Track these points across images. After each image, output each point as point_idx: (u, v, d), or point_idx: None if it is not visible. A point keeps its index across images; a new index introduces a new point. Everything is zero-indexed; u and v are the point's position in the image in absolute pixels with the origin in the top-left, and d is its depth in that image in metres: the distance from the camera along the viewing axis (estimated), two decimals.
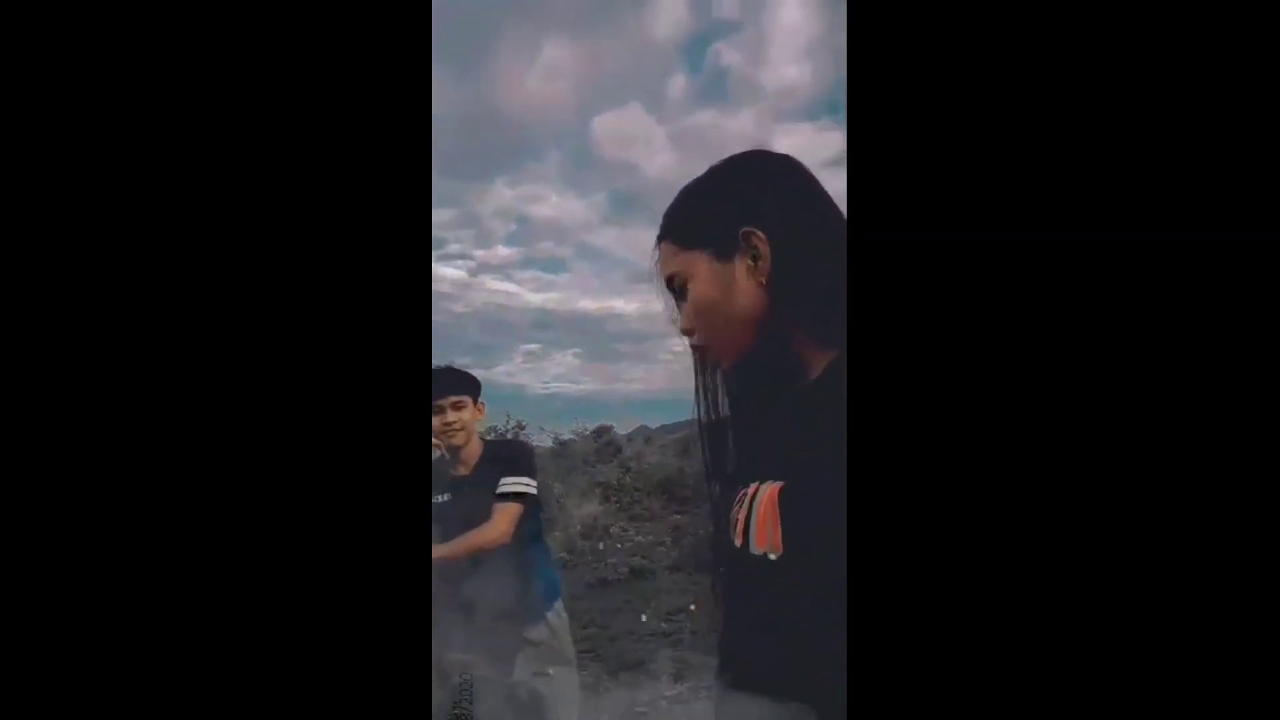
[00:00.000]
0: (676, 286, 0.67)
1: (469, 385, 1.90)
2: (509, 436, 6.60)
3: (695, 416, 0.72)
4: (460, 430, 1.87)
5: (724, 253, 0.64)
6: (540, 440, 8.29)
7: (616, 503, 6.44)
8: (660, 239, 0.68)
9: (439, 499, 1.90)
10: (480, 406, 1.94)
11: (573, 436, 8.80)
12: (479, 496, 1.83)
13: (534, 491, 1.86)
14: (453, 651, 1.57)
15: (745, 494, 0.63)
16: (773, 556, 0.59)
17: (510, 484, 1.83)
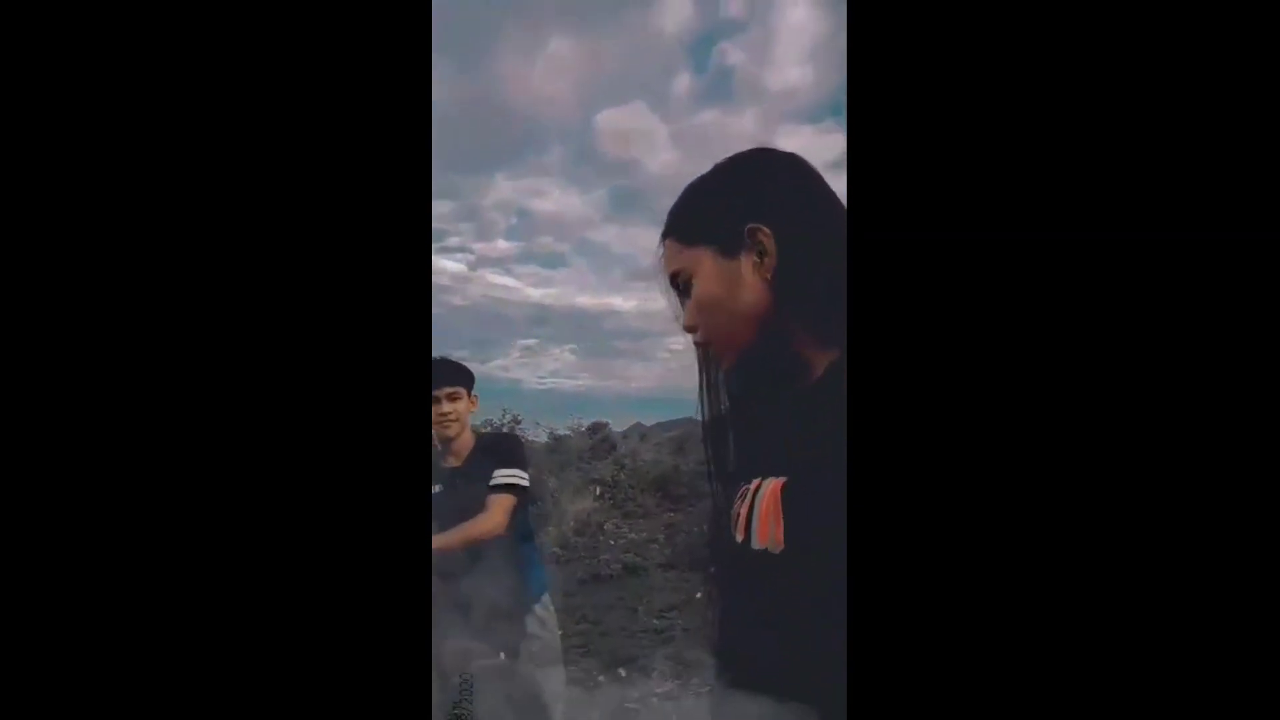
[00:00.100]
0: (680, 283, 0.67)
1: (463, 377, 1.91)
2: (505, 430, 6.60)
3: (698, 414, 0.72)
4: (454, 421, 1.88)
5: (729, 249, 0.63)
6: (535, 435, 8.28)
7: (610, 499, 6.44)
8: (664, 236, 0.68)
9: (432, 490, 1.90)
10: (474, 399, 1.94)
11: (568, 432, 8.79)
12: (472, 488, 1.83)
13: (527, 484, 1.87)
14: (451, 649, 1.57)
15: (747, 489, 0.63)
16: (774, 551, 0.59)
17: (504, 476, 1.83)
